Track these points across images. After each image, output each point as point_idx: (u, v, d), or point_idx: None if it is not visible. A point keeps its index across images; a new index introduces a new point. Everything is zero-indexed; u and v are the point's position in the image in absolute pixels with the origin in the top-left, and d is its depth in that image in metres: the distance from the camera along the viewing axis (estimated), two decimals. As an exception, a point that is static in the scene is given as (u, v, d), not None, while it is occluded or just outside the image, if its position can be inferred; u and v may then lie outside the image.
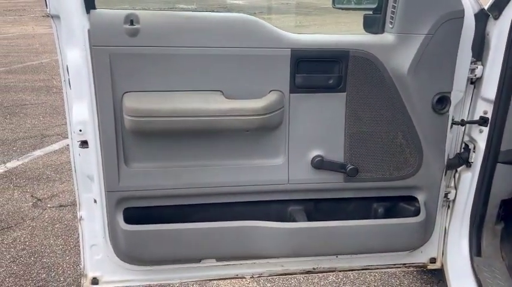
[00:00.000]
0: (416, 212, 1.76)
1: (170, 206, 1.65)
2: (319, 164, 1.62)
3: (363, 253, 1.80)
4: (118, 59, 1.45)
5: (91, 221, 1.71)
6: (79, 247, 1.80)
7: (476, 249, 1.85)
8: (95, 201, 1.65)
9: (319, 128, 1.62)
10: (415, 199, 1.76)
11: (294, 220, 1.71)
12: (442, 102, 1.63)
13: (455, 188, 1.89)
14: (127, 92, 1.49)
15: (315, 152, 1.63)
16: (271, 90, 1.55)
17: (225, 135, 1.58)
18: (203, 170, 1.60)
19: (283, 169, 1.64)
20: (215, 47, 1.49)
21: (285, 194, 1.69)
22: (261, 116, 1.51)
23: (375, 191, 1.74)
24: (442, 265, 1.98)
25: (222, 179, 1.62)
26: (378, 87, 1.59)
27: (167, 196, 1.62)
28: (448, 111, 1.65)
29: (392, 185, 1.71)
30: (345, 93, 1.59)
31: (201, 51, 1.49)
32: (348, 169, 1.62)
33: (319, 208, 1.77)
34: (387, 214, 1.78)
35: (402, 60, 1.56)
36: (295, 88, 1.56)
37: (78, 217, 1.74)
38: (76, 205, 1.74)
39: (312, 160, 1.63)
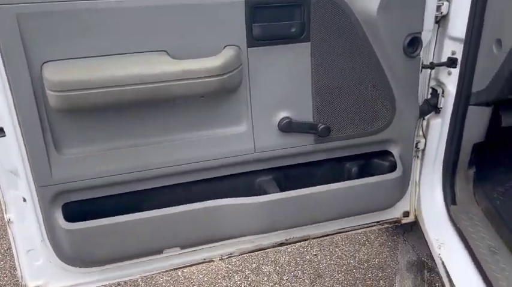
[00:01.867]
0: (392, 167, 1.64)
1: (118, 195, 1.39)
2: (288, 127, 1.43)
3: (341, 218, 1.66)
4: (29, 20, 1.13)
5: (23, 223, 1.41)
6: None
7: (451, 197, 1.77)
8: (24, 199, 1.36)
9: (284, 86, 1.41)
10: (389, 154, 1.64)
11: (264, 192, 1.52)
12: (413, 44, 1.48)
13: (424, 137, 1.78)
14: (47, 61, 1.18)
15: (282, 114, 1.43)
16: (225, 46, 1.31)
17: (175, 105, 1.33)
18: (153, 149, 1.35)
19: (248, 136, 1.42)
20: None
21: (252, 165, 1.49)
22: (217, 77, 1.27)
23: (348, 150, 1.58)
24: (416, 218, 1.91)
25: (176, 156, 1.38)
26: (346, 33, 1.39)
27: (112, 183, 1.36)
28: (419, 54, 1.51)
29: (366, 141, 1.56)
30: (309, 43, 1.38)
31: (135, 2, 1.20)
32: (320, 129, 1.44)
33: (290, 174, 1.59)
34: (363, 173, 1.64)
35: (370, 1, 1.37)
36: (253, 41, 1.33)
37: (6, 220, 1.44)
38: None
39: (279, 123, 1.43)
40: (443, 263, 1.54)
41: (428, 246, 1.75)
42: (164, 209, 1.40)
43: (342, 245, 2.67)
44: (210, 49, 1.29)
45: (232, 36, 1.31)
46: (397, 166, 1.60)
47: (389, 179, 1.58)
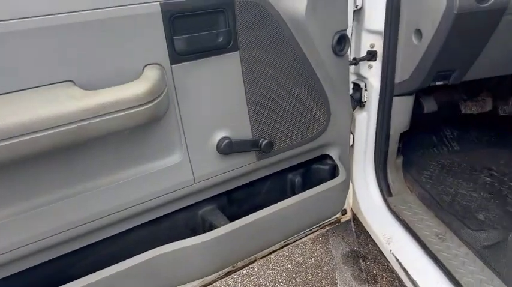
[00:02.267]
0: (332, 170, 1.58)
1: (35, 267, 1.10)
2: (228, 148, 1.26)
3: (292, 236, 1.55)
4: None
5: None
6: None
7: (386, 189, 1.78)
8: None
9: (218, 103, 1.24)
10: (329, 157, 1.57)
11: (209, 224, 1.34)
12: (341, 42, 1.41)
13: (352, 132, 1.76)
14: None
15: (220, 134, 1.26)
16: (146, 66, 1.09)
17: (95, 146, 1.08)
18: (71, 203, 1.08)
19: (185, 166, 1.23)
20: (48, 14, 0.94)
21: (193, 197, 1.30)
22: (143, 107, 1.04)
23: (289, 161, 1.47)
24: (354, 215, 1.89)
25: (102, 206, 1.13)
26: (275, 38, 1.27)
27: (24, 256, 1.06)
28: (347, 51, 1.45)
29: (306, 149, 1.47)
30: (238, 52, 1.23)
31: (24, 24, 0.93)
32: (263, 145, 1.30)
33: (234, 198, 1.43)
34: (306, 182, 1.55)
35: (297, 1, 1.26)
36: (177, 57, 1.13)
37: None
38: None
39: (217, 145, 1.26)
40: (397, 259, 1.53)
41: (366, 242, 1.74)
42: (94, 274, 1.14)
43: (276, 250, 2.59)
44: (127, 72, 1.06)
45: (152, 54, 1.10)
46: (340, 169, 1.54)
47: (335, 185, 1.51)
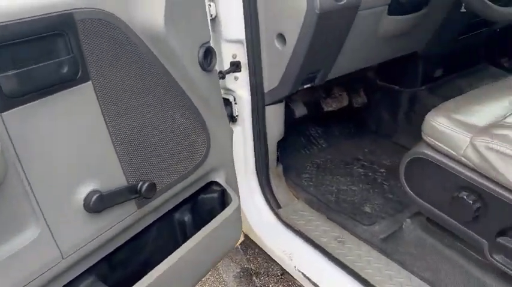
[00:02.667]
0: (222, 197, 1.41)
1: None
2: (99, 204, 0.99)
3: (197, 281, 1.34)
4: None
5: None
6: None
7: (274, 202, 1.69)
8: None
9: (75, 149, 0.96)
10: (216, 183, 1.40)
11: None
12: (207, 55, 1.26)
13: (229, 150, 1.63)
14: None
15: (86, 189, 0.98)
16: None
17: None
18: None
19: (45, 240, 0.92)
20: None
21: (64, 277, 0.99)
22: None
23: (174, 199, 1.26)
24: (246, 235, 1.77)
25: None
26: (134, 60, 1.04)
27: None
28: (215, 65, 1.30)
29: (191, 181, 1.28)
30: (91, 83, 0.98)
31: None
32: (144, 190, 1.07)
33: (117, 259, 1.15)
34: (198, 219, 1.35)
35: (153, 14, 1.06)
36: (6, 101, 0.83)
37: None
38: None
39: (85, 203, 0.98)
40: (304, 274, 1.45)
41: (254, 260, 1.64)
42: None
43: None
44: None
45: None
46: (231, 195, 1.38)
47: (230, 215, 1.35)
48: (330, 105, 2.01)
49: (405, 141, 2.08)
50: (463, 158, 1.15)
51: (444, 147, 1.19)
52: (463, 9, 1.56)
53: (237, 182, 1.48)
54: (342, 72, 1.65)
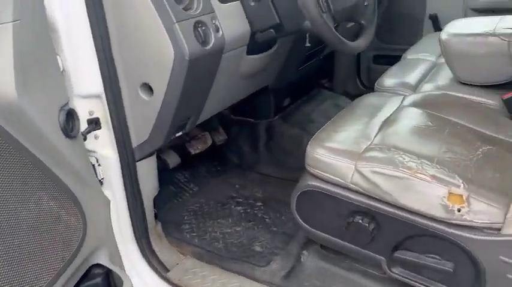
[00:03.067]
0: (108, 281, 1.19)
1: None
2: None
3: None
4: None
5: None
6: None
7: (161, 267, 1.52)
8: None
9: None
10: (99, 266, 1.17)
11: None
12: (69, 119, 1.06)
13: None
14: None
15: None
16: None
17: None
18: None
19: None
20: None
21: None
22: None
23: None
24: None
25: None
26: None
27: None
28: (79, 129, 1.11)
29: (71, 272, 1.04)
30: None
31: None
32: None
33: None
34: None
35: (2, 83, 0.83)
36: None
37: None
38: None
39: None
40: None
41: None
42: None
43: None
44: None
45: None
46: (121, 276, 1.18)
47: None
48: (196, 148, 1.94)
49: (269, 170, 2.14)
50: (351, 185, 1.21)
51: (332, 177, 1.24)
52: (307, 44, 1.68)
53: (120, 257, 1.28)
54: (209, 114, 1.60)
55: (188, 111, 1.41)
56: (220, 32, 1.31)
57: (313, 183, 1.29)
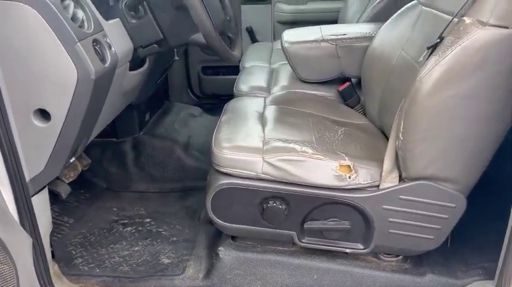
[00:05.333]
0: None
1: None
2: None
3: None
4: None
5: None
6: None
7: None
8: None
9: None
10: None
11: None
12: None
13: None
14: None
15: None
16: None
17: None
18: None
19: None
20: None
21: None
22: None
23: None
24: None
25: None
26: None
27: None
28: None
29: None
30: None
31: None
32: None
33: None
34: None
35: None
36: None
37: None
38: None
39: None
40: None
41: None
42: None
43: None
44: None
45: None
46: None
47: None
48: (69, 176, 1.78)
49: (143, 186, 2.12)
50: (262, 175, 1.38)
51: (244, 171, 1.38)
52: (176, 58, 1.77)
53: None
54: (94, 135, 1.53)
55: (85, 135, 1.34)
56: (113, 49, 1.30)
57: (226, 181, 1.40)
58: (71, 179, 1.80)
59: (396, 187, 1.36)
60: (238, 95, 2.04)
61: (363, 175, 1.38)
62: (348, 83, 1.97)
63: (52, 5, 1.09)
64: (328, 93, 2.02)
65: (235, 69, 2.53)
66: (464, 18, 1.17)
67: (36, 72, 1.13)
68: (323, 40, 1.98)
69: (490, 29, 1.10)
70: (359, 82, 1.96)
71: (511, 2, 1.08)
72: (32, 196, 1.27)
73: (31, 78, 1.14)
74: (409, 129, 1.27)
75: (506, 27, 1.09)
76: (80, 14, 1.20)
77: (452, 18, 1.22)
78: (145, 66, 1.68)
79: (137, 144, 2.15)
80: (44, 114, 1.18)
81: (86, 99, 1.18)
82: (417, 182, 1.34)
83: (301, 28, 2.26)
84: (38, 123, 1.18)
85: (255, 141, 1.45)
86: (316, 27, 2.13)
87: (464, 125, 1.24)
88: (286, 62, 2.07)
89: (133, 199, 2.04)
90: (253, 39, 3.27)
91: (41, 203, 1.33)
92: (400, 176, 1.38)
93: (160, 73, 2.06)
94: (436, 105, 1.21)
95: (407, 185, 1.35)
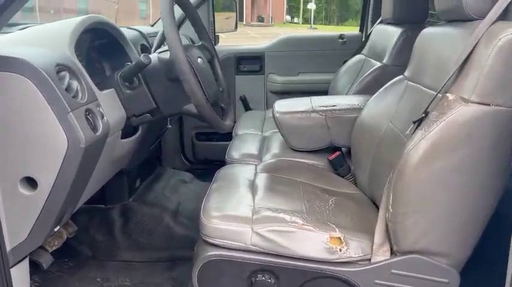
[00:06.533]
0: None
1: None
2: None
3: None
4: None
5: None
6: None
7: None
8: None
9: None
10: None
11: None
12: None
13: None
14: None
15: None
16: None
17: None
18: None
19: None
20: None
21: None
22: None
23: None
24: None
25: None
26: None
27: None
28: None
29: None
30: None
31: None
32: None
33: None
34: None
35: None
36: None
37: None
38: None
39: None
40: None
41: None
42: None
43: None
44: None
45: None
46: None
47: None
48: (53, 244, 1.73)
49: (130, 255, 2.06)
50: (252, 247, 1.34)
51: (233, 243, 1.35)
52: (169, 125, 1.80)
53: None
54: (81, 203, 1.51)
55: (71, 202, 1.32)
56: (105, 118, 1.32)
57: (213, 253, 1.36)
58: (55, 248, 1.75)
59: (388, 261, 1.33)
60: (230, 162, 2.05)
61: (353, 248, 1.35)
62: (338, 153, 1.99)
63: (48, 77, 1.12)
64: (319, 161, 2.03)
65: (228, 136, 2.56)
66: (448, 94, 1.22)
67: (26, 141, 1.14)
68: (313, 111, 2.03)
69: (472, 105, 1.14)
70: (349, 151, 1.99)
71: (491, 80, 1.12)
72: (12, 267, 1.22)
73: (21, 147, 1.14)
74: (399, 202, 1.27)
75: (488, 105, 1.13)
76: (75, 84, 1.23)
77: (436, 94, 1.26)
78: (138, 134, 1.70)
79: (126, 211, 2.12)
80: (30, 182, 1.17)
81: (75, 168, 1.18)
82: (409, 256, 1.31)
83: (292, 99, 2.33)
84: (24, 191, 1.17)
85: (244, 211, 1.43)
86: (307, 98, 2.20)
87: (453, 198, 1.24)
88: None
89: (118, 269, 1.97)
90: (247, 108, 3.35)
91: (20, 275, 1.27)
92: (391, 249, 1.36)
93: (152, 140, 2.08)
94: (424, 178, 1.21)
95: (399, 259, 1.32)
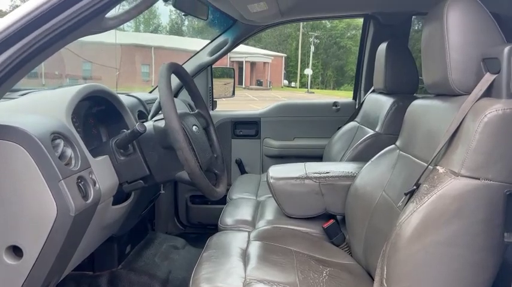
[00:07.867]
0: None
1: None
2: None
3: None
4: None
5: None
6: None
7: None
8: None
9: None
10: None
11: None
12: None
13: None
14: None
15: None
16: None
17: None
18: None
19: None
20: None
21: None
22: None
23: None
24: None
25: None
26: None
27: None
28: None
29: None
30: None
31: None
32: None
33: None
34: None
35: None
36: None
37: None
38: None
39: None
40: None
41: None
42: None
43: None
44: None
45: None
46: None
47: None
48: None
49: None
50: (241, 322, 1.29)
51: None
52: (162, 191, 1.79)
53: None
54: (68, 272, 1.46)
55: (57, 271, 1.28)
56: (97, 186, 1.32)
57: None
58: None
59: None
60: (223, 228, 2.02)
61: (348, 324, 1.30)
62: (332, 221, 1.97)
63: (41, 144, 1.13)
64: (313, 229, 2.00)
65: (223, 200, 2.54)
66: (438, 167, 1.23)
67: (15, 209, 1.13)
68: (307, 177, 2.04)
69: (462, 179, 1.14)
70: (344, 219, 1.96)
71: (479, 155, 1.14)
72: None
73: (9, 214, 1.13)
74: (393, 276, 1.23)
75: (478, 179, 1.13)
76: (69, 152, 1.24)
77: (427, 167, 1.28)
78: (130, 200, 1.69)
79: (114, 279, 2.05)
80: (16, 250, 1.14)
81: (63, 236, 1.16)
82: (405, 333, 1.26)
83: (287, 164, 2.34)
84: (8, 260, 1.14)
85: (235, 282, 1.39)
86: (301, 164, 2.21)
87: (447, 272, 1.21)
88: (272, 195, 2.09)
89: None
90: (242, 171, 3.36)
91: None
92: (387, 325, 1.30)
93: (145, 206, 2.06)
94: (417, 251, 1.19)
95: (395, 335, 1.27)
